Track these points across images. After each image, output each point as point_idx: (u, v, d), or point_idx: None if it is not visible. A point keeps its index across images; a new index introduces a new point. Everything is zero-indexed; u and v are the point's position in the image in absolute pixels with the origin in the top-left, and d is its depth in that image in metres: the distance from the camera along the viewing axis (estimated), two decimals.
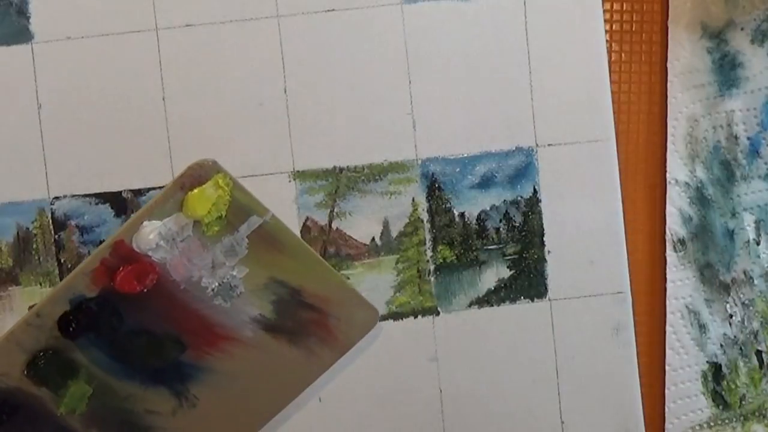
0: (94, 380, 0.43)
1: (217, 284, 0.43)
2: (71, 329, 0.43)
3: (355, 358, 0.47)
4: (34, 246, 0.46)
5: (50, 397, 0.43)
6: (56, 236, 0.46)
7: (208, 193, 0.42)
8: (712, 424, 0.49)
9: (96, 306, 0.43)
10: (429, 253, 0.48)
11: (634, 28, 0.49)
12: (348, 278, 0.47)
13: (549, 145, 0.48)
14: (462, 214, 0.48)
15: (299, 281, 0.44)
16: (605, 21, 0.48)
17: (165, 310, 0.43)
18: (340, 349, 0.45)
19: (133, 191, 0.47)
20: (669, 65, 0.49)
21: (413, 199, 0.48)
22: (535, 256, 0.48)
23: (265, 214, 0.43)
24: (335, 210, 0.47)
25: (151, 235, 0.42)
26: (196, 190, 0.42)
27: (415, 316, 0.48)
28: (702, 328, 0.49)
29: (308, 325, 0.45)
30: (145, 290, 0.43)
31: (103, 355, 0.43)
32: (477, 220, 0.48)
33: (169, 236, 0.42)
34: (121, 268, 0.42)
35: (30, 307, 0.46)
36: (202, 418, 0.45)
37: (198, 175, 0.42)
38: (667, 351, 0.49)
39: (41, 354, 0.43)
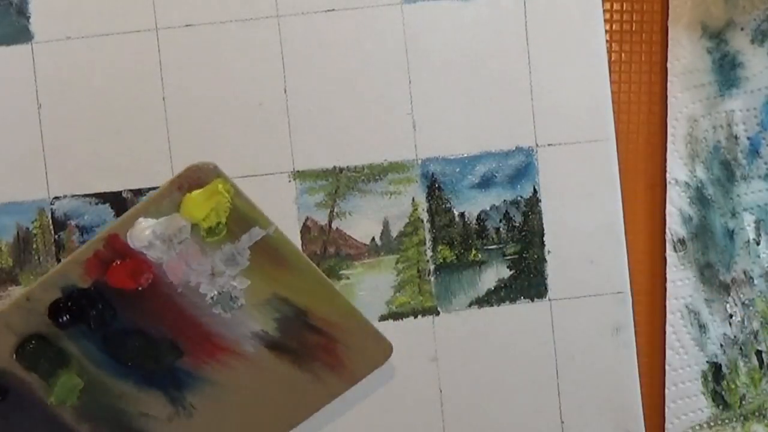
0: (86, 373, 0.43)
1: (216, 293, 0.43)
2: (62, 318, 0.43)
3: None
4: (34, 246, 0.46)
5: (40, 385, 0.43)
6: (56, 236, 0.46)
7: (207, 197, 0.42)
8: (712, 424, 0.49)
9: (89, 297, 0.42)
10: (429, 253, 0.48)
11: (634, 28, 0.49)
12: (348, 278, 0.47)
13: (549, 145, 0.48)
14: (462, 214, 0.48)
15: (305, 302, 0.44)
16: (605, 21, 0.48)
17: (161, 312, 0.43)
18: (350, 378, 0.45)
19: (133, 191, 0.47)
20: (669, 65, 0.49)
21: (413, 199, 0.48)
22: (535, 256, 0.48)
23: (268, 226, 0.43)
24: (335, 210, 0.47)
25: (146, 231, 0.42)
26: (194, 193, 0.42)
27: (415, 316, 0.48)
28: (702, 328, 0.49)
29: (314, 349, 0.44)
30: (140, 288, 0.43)
31: (95, 349, 0.43)
32: (477, 220, 0.48)
33: (165, 236, 0.42)
34: (114, 263, 0.42)
35: None
36: (199, 429, 0.45)
37: (197, 177, 0.42)
38: (667, 351, 0.49)
39: (31, 338, 0.43)
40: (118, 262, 0.42)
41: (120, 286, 0.42)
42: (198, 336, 0.43)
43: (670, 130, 0.49)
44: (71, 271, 0.42)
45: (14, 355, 0.43)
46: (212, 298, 0.43)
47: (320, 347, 0.44)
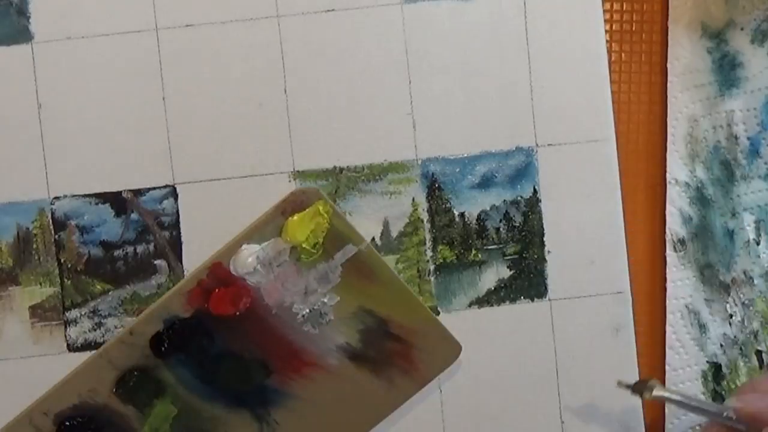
0: (180, 401, 0.43)
1: (307, 311, 0.43)
2: (163, 348, 0.43)
3: None
4: (34, 246, 0.46)
5: (135, 416, 0.43)
6: (56, 236, 0.46)
7: (308, 220, 0.42)
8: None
9: (188, 326, 0.43)
10: (429, 253, 0.48)
11: (634, 28, 0.49)
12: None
13: (549, 145, 0.48)
14: (462, 214, 0.48)
15: (387, 311, 0.44)
16: (605, 21, 0.48)
17: (255, 334, 0.43)
18: (420, 381, 0.45)
19: (133, 191, 0.47)
20: (669, 65, 0.49)
21: (413, 199, 0.48)
22: (535, 256, 0.48)
23: (360, 243, 0.43)
24: None
25: (249, 258, 0.42)
26: (296, 216, 0.42)
27: None
28: (702, 328, 0.49)
29: (392, 356, 0.44)
30: (238, 313, 0.43)
31: (190, 375, 0.43)
32: (477, 220, 0.48)
33: (267, 261, 0.42)
34: (216, 290, 0.42)
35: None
36: None
37: (300, 201, 0.42)
38: (667, 351, 0.49)
39: (131, 372, 0.43)
40: (219, 290, 0.42)
41: (222, 313, 0.42)
42: (287, 354, 0.44)
43: (670, 130, 0.49)
44: (175, 302, 0.43)
45: (114, 389, 0.43)
46: (303, 316, 0.43)
47: (397, 354, 0.44)
